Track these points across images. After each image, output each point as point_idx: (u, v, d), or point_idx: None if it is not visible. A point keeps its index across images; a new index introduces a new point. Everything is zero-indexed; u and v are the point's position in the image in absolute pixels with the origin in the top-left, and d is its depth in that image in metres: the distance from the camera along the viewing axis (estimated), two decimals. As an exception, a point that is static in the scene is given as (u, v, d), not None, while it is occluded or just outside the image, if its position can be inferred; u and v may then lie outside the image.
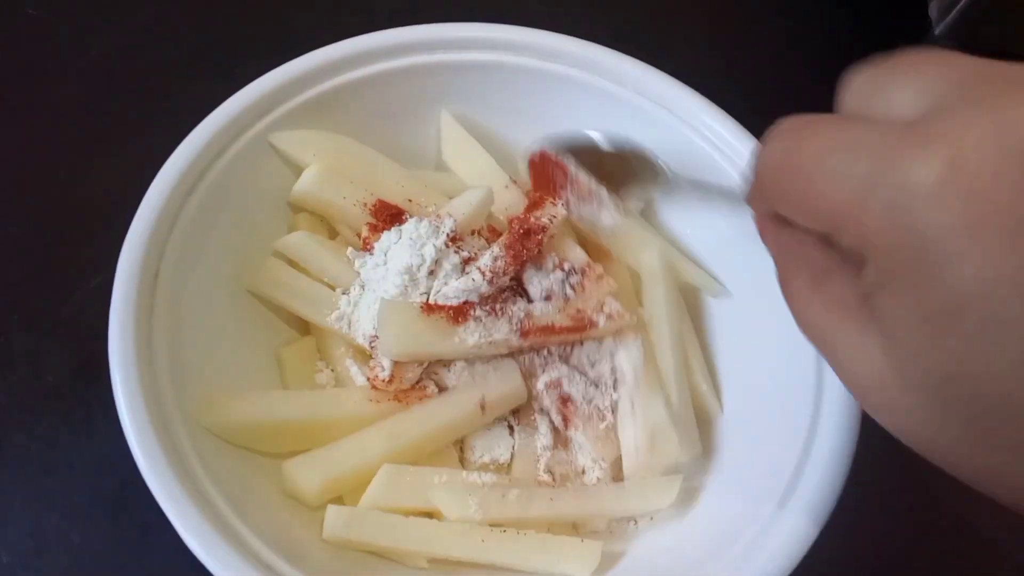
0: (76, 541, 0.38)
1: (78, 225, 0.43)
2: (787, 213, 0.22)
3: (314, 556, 0.31)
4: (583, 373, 0.38)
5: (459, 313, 0.35)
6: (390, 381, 0.35)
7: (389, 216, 0.38)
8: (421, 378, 0.37)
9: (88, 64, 0.53)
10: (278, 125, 0.39)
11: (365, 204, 0.39)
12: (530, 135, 0.40)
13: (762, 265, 0.27)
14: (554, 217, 0.38)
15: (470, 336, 0.35)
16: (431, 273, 0.36)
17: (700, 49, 0.58)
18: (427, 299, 0.36)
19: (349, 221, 0.39)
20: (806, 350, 0.33)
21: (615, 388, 0.37)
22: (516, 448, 0.37)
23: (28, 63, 0.53)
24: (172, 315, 0.34)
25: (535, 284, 0.38)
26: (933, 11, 0.53)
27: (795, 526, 0.31)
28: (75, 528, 0.38)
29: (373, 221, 0.38)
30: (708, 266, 0.41)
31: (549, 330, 0.36)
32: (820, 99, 0.60)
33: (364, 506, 0.33)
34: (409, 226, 0.37)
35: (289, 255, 0.39)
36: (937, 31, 0.53)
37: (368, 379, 0.36)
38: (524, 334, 0.36)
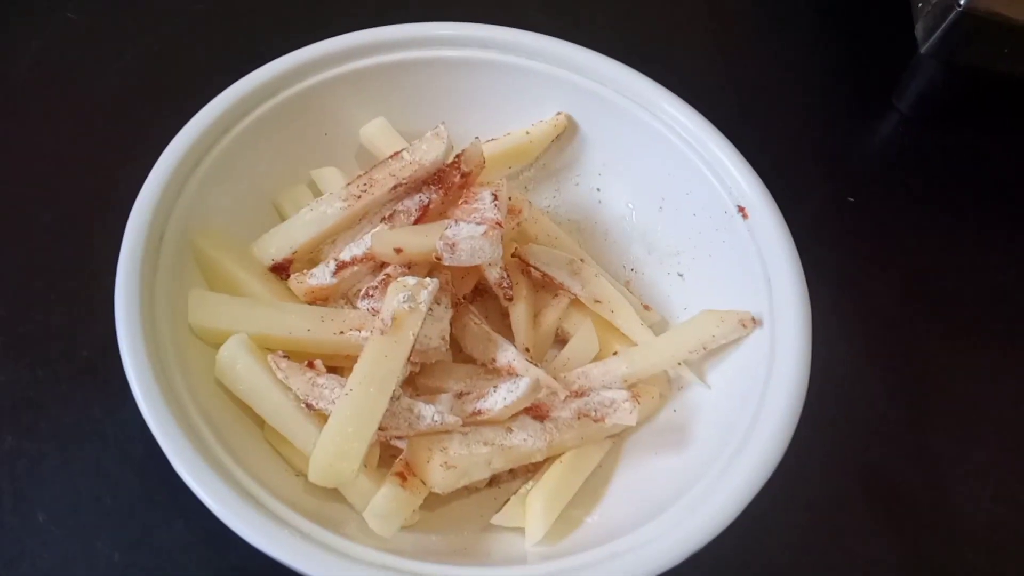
0: (107, 503, 0.41)
1: (112, 213, 0.46)
2: None
3: (301, 498, 0.35)
4: None
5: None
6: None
7: None
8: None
9: (124, 65, 0.57)
10: (278, 110, 0.44)
11: None
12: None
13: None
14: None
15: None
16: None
17: (697, 65, 0.62)
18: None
19: None
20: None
21: None
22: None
23: (69, 64, 0.57)
24: (175, 277, 0.38)
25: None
26: (919, 31, 0.56)
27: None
28: (106, 491, 0.41)
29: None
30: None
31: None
32: (809, 112, 0.64)
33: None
34: None
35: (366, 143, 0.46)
36: (922, 50, 0.55)
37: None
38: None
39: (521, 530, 0.36)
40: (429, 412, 0.35)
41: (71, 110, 0.54)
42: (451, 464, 0.34)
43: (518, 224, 0.44)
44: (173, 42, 0.59)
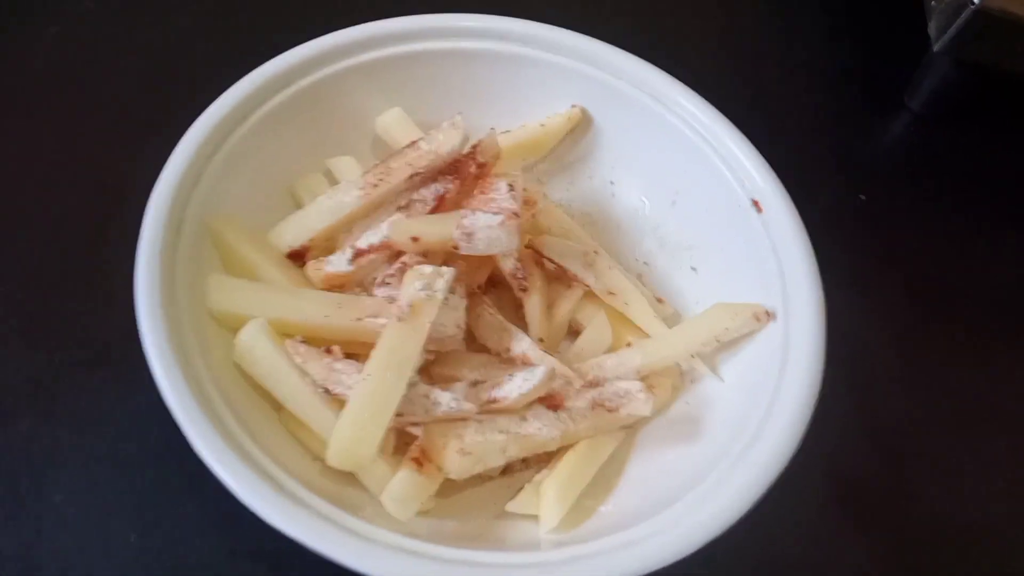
0: (123, 486, 0.41)
1: (127, 201, 0.46)
2: None
3: (318, 481, 0.35)
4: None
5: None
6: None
7: None
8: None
9: (141, 55, 0.57)
10: (294, 99, 0.44)
11: None
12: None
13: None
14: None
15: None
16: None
17: (707, 63, 0.62)
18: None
19: None
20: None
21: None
22: None
23: (86, 53, 0.57)
24: (195, 263, 0.38)
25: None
26: (931, 29, 0.56)
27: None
28: (123, 475, 0.42)
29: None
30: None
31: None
32: (821, 111, 0.64)
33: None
34: None
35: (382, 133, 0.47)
36: (936, 48, 0.56)
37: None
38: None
39: (535, 518, 0.37)
40: (445, 399, 0.35)
41: (87, 98, 0.55)
42: (467, 451, 0.35)
43: (532, 216, 0.44)
44: (191, 31, 0.59)
